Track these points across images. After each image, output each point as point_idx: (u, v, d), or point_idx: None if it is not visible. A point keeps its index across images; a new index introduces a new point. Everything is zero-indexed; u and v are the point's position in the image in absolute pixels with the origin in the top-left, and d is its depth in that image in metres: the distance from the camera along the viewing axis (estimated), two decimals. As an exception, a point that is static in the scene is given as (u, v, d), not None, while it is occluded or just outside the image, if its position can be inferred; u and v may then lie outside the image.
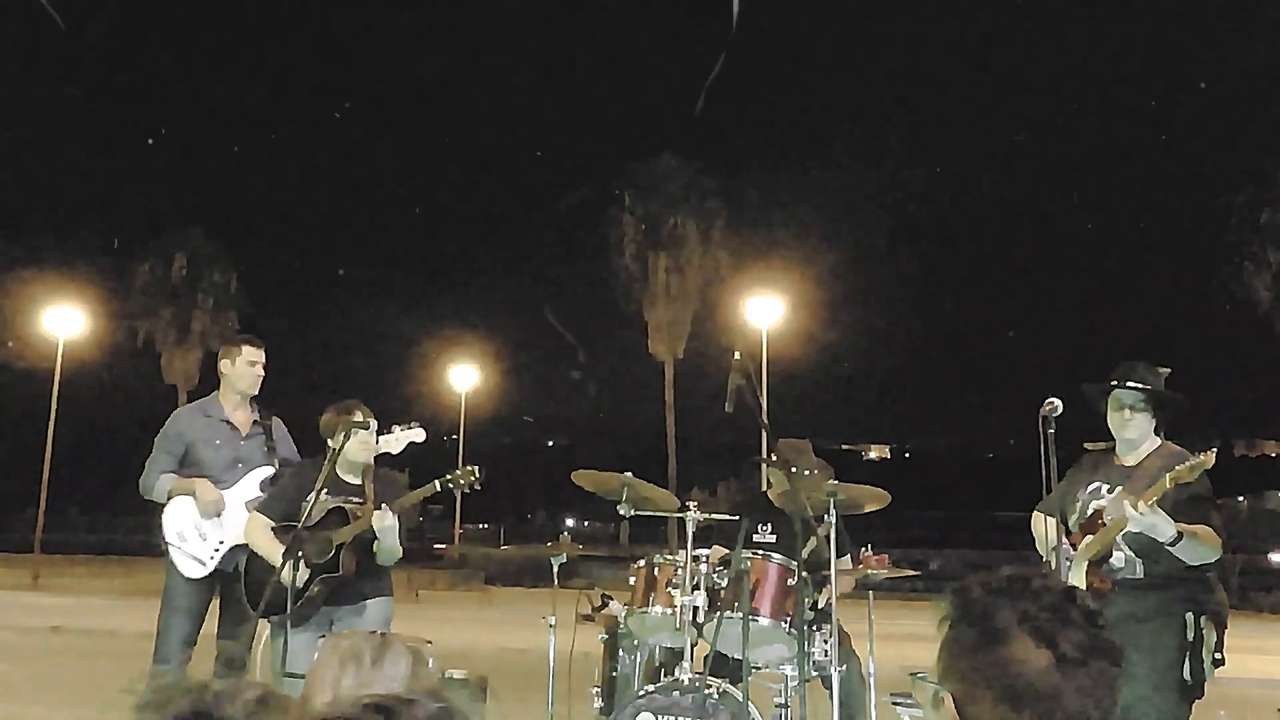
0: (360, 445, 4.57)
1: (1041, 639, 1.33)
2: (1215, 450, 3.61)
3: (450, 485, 4.60)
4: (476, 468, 4.67)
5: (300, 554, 4.28)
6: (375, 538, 4.50)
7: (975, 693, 1.35)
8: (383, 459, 4.95)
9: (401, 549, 4.60)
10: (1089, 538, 3.90)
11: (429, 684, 1.88)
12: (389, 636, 1.94)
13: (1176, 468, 3.59)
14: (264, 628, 4.48)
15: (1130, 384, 3.96)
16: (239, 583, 4.97)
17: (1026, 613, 1.35)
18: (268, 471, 5.07)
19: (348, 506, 4.52)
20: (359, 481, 4.66)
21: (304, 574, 4.40)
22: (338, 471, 4.62)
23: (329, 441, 4.52)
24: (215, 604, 5.04)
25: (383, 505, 4.46)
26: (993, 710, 1.34)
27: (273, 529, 4.55)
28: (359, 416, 4.55)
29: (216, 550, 4.92)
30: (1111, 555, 3.86)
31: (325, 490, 4.55)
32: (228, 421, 5.10)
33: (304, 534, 4.23)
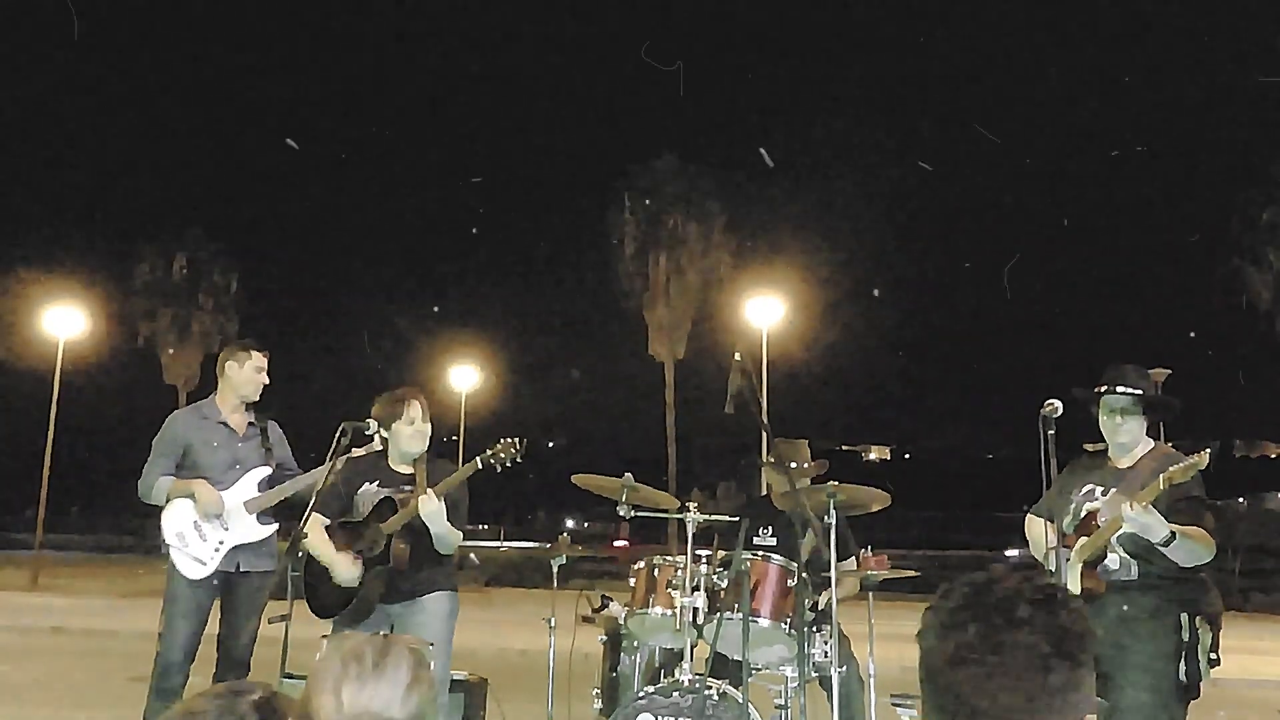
0: (412, 436, 4.52)
1: (945, 633, 1.39)
2: (1209, 452, 3.61)
3: (492, 461, 4.46)
4: (517, 439, 4.50)
5: (300, 549, 4.29)
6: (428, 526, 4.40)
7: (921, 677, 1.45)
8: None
9: (460, 532, 4.49)
10: (1083, 539, 3.92)
11: (429, 687, 1.89)
12: (391, 638, 1.95)
13: (1170, 469, 3.59)
14: (327, 628, 4.40)
15: (1119, 389, 3.97)
16: (241, 582, 4.98)
17: (940, 607, 1.42)
18: (265, 472, 5.08)
19: (397, 496, 4.45)
20: (410, 470, 4.59)
21: (358, 569, 4.37)
22: (389, 463, 4.60)
23: (380, 431, 4.51)
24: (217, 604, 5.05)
25: (427, 490, 4.36)
26: (921, 689, 1.44)
27: (327, 527, 4.47)
28: (413, 409, 4.51)
29: (217, 551, 4.92)
30: (1106, 557, 3.87)
31: (377, 482, 4.55)
32: (224, 423, 5.11)
33: (302, 533, 4.23)
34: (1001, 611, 1.37)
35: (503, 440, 4.50)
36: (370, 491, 4.53)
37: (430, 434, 4.62)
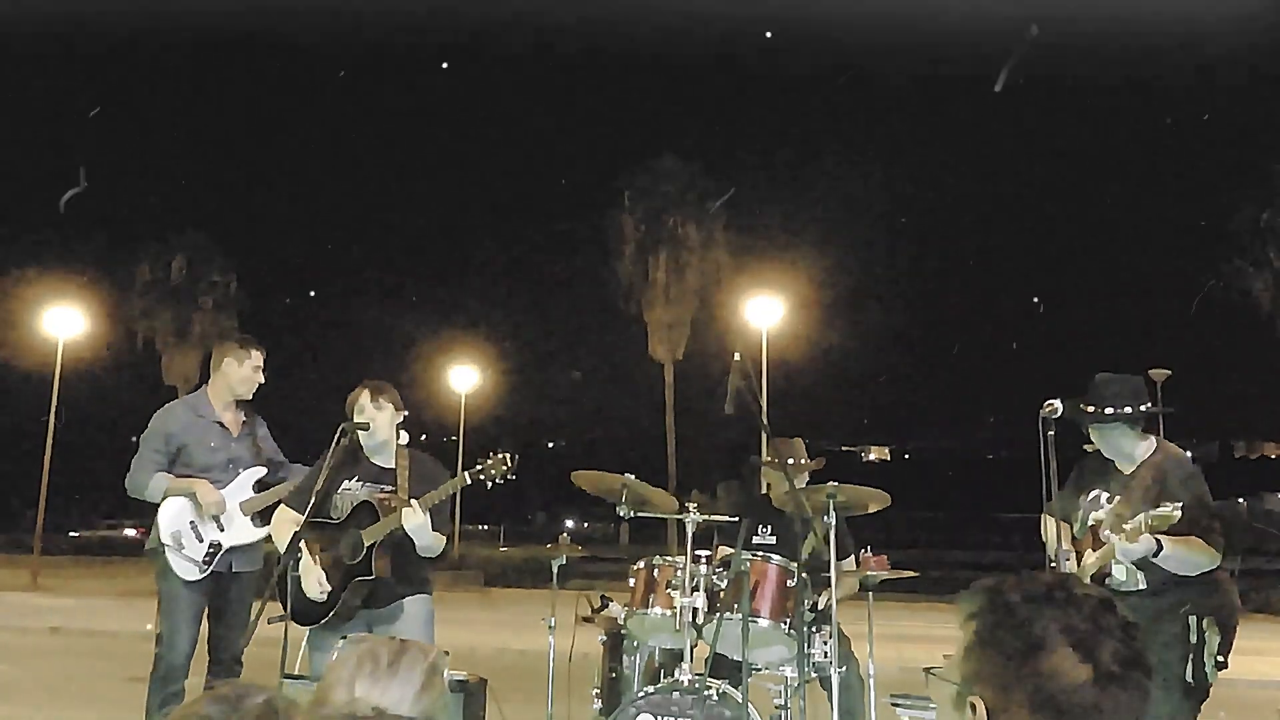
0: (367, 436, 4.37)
1: (1083, 651, 1.31)
2: (1181, 506, 3.58)
3: (481, 478, 4.23)
4: (508, 455, 4.22)
5: (299, 552, 4.22)
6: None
7: (1010, 702, 1.33)
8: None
9: (443, 537, 4.33)
10: (1088, 555, 3.97)
11: (440, 693, 1.93)
12: (408, 643, 1.99)
13: (1152, 514, 3.61)
14: (303, 634, 4.31)
15: (1092, 411, 3.98)
16: (233, 583, 4.96)
17: (1069, 623, 1.32)
18: (260, 472, 5.05)
19: (376, 500, 4.27)
20: (391, 465, 4.43)
21: (335, 577, 4.23)
22: (369, 456, 4.45)
23: (352, 416, 4.34)
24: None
25: (412, 501, 4.17)
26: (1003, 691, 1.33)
27: (311, 526, 4.29)
28: (368, 408, 4.37)
29: (212, 552, 4.89)
30: (1111, 570, 3.92)
31: (356, 478, 4.40)
32: (219, 422, 5.05)
33: (301, 533, 4.19)
34: (1128, 627, 1.33)
35: (494, 455, 4.25)
36: (351, 490, 4.39)
37: (393, 422, 4.42)
